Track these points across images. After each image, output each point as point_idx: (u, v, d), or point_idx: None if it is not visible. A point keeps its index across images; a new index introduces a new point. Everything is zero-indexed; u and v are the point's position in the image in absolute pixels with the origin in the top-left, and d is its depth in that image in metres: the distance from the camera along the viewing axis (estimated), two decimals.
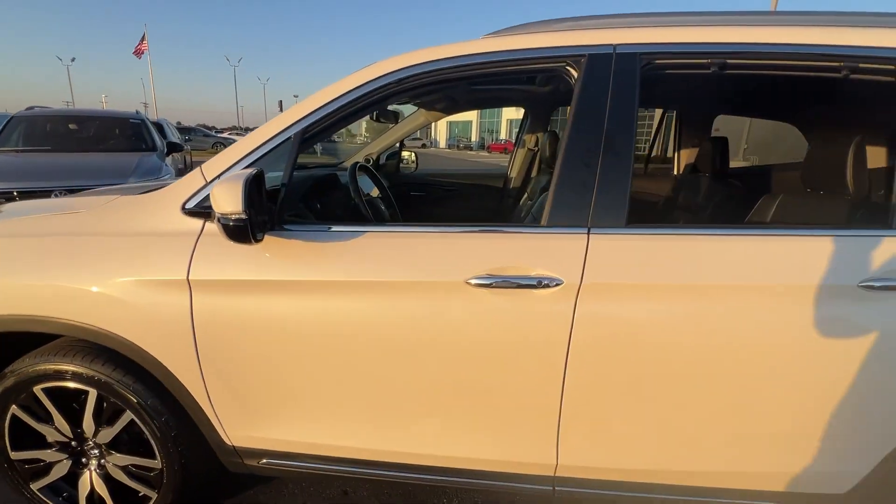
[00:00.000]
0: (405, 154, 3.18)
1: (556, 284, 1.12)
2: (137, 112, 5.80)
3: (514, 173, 3.00)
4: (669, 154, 3.03)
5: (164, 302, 1.21)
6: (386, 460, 1.33)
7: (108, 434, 1.41)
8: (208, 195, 1.19)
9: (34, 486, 1.49)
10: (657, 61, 1.19)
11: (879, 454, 1.17)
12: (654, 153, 3.27)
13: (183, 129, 23.47)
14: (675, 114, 2.81)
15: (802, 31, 1.14)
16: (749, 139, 12.69)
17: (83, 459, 1.48)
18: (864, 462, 1.18)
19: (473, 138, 48.03)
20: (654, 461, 1.23)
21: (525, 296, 1.13)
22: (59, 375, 1.34)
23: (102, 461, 1.47)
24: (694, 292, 1.10)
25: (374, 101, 1.27)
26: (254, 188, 1.11)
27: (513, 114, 41.00)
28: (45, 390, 1.37)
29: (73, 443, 1.45)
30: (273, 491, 1.73)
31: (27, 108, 5.58)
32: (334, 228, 1.23)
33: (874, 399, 1.12)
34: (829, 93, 1.70)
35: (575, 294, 1.12)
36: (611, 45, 1.19)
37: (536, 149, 2.91)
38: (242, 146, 1.27)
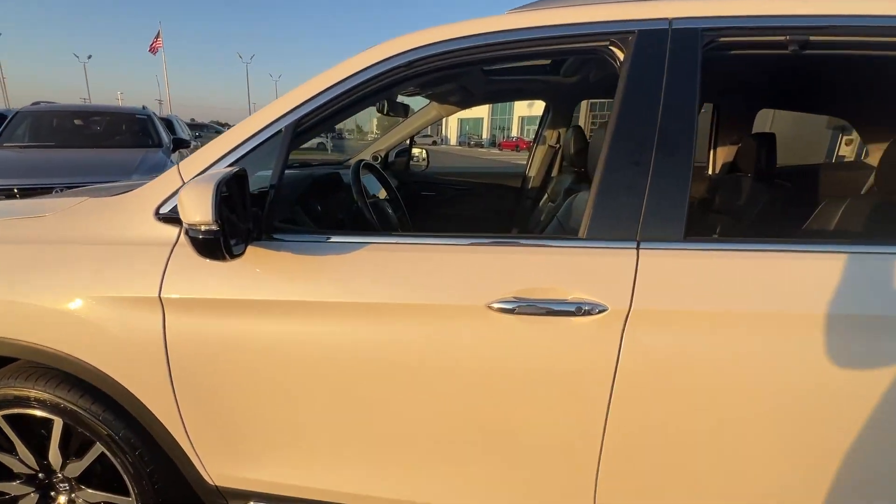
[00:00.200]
0: (416, 151, 2.98)
1: (600, 311, 0.91)
2: (144, 107, 5.68)
3: (533, 172, 2.79)
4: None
5: (132, 323, 1.04)
6: None
7: (77, 468, 1.24)
8: None
9: None
10: (722, 39, 0.97)
11: None
12: None
13: (196, 126, 23.64)
14: (712, 107, 2.56)
15: None
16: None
17: (52, 493, 1.32)
18: None
19: (484, 135, 47.71)
20: None
21: (560, 324, 0.93)
22: (21, 402, 1.18)
23: (73, 496, 1.30)
24: (779, 323, 0.89)
25: (381, 88, 1.07)
26: (235, 190, 0.92)
27: (524, 110, 40.61)
28: (7, 417, 1.21)
29: (40, 475, 1.29)
30: None
31: (33, 104, 5.49)
32: (333, 239, 1.04)
33: None
34: None
35: (622, 323, 0.91)
36: (665, 18, 0.98)
37: (558, 146, 2.69)
38: (225, 141, 1.08)
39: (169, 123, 7.79)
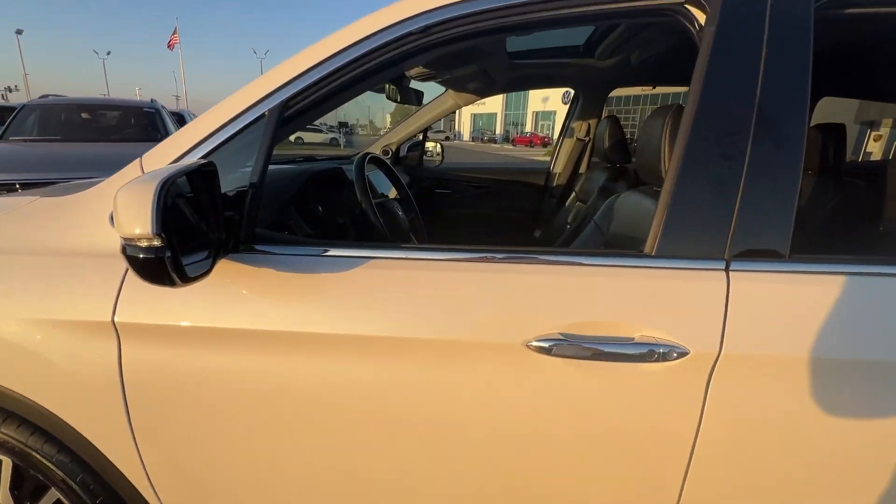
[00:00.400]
0: (429, 145, 2.75)
1: (679, 355, 0.68)
2: (153, 101, 5.57)
3: (559, 168, 2.54)
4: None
5: (82, 353, 0.84)
6: None
7: None
8: None
9: None
10: None
11: None
12: None
13: None
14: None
15: None
16: None
17: None
18: None
19: (498, 131, 47.14)
20: None
21: (624, 372, 0.70)
22: None
23: None
24: None
25: (389, 61, 0.85)
26: (201, 189, 0.72)
27: (539, 105, 39.94)
28: None
29: None
30: None
31: (41, 97, 5.41)
32: (331, 252, 0.82)
33: None
34: None
35: (708, 372, 0.68)
36: None
37: (587, 139, 2.44)
38: (198, 127, 0.87)
39: (180, 118, 7.72)
